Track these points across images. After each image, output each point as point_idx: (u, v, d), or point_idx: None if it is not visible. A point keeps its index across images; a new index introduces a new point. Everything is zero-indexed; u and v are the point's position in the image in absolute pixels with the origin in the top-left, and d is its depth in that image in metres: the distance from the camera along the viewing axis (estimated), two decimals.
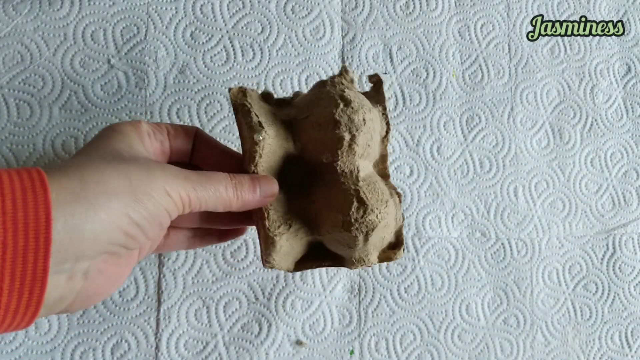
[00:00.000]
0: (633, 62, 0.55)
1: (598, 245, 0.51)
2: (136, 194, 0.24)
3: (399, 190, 0.33)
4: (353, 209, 0.30)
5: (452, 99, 0.50)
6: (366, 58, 0.48)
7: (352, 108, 0.30)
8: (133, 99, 0.43)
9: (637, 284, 0.51)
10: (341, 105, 0.30)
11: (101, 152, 0.26)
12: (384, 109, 0.35)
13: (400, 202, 0.34)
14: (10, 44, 0.42)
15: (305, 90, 0.44)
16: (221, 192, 0.28)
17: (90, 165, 0.24)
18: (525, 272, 0.49)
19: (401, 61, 0.49)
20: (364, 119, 0.31)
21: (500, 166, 0.50)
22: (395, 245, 0.35)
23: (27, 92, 0.42)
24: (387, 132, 0.35)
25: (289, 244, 0.32)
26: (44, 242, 0.20)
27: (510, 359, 0.47)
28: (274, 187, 0.31)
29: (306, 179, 0.33)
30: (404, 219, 0.35)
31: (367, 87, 0.48)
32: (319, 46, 0.48)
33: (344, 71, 0.34)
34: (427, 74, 0.50)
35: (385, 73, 0.49)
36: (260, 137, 0.30)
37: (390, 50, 0.49)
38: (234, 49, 0.46)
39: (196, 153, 0.33)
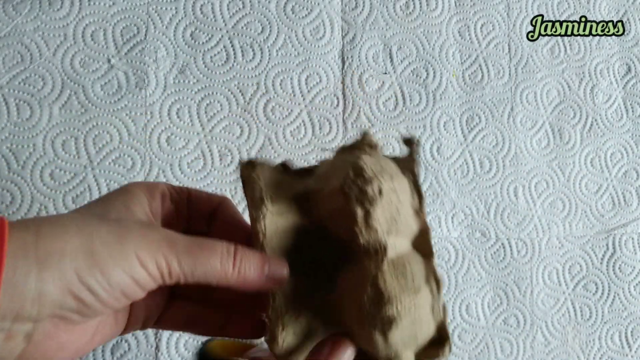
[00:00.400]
0: (633, 62, 0.55)
1: (598, 245, 0.51)
2: (94, 257, 0.21)
3: (440, 272, 0.28)
4: (366, 299, 0.25)
5: (452, 99, 0.50)
6: (366, 58, 0.48)
7: (364, 178, 0.26)
8: (133, 99, 0.43)
9: (637, 284, 0.51)
10: (351, 175, 0.26)
11: (89, 210, 0.25)
12: (414, 175, 0.29)
13: (439, 289, 0.28)
14: (10, 44, 0.42)
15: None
16: (213, 264, 0.24)
17: (57, 221, 0.22)
18: (525, 272, 0.49)
19: (401, 61, 0.49)
20: (380, 190, 0.26)
21: (500, 166, 0.50)
22: (439, 340, 0.28)
23: (27, 92, 0.42)
24: (421, 202, 0.29)
25: (296, 337, 0.27)
26: None
27: (510, 359, 0.47)
28: (283, 271, 0.26)
29: (334, 262, 0.28)
30: (445, 310, 0.29)
31: (367, 87, 0.48)
32: (319, 46, 0.48)
33: (363, 135, 0.30)
34: (427, 74, 0.50)
35: (385, 73, 0.49)
36: (260, 214, 0.27)
37: (390, 50, 0.49)
38: (234, 49, 0.46)
39: (216, 225, 0.30)
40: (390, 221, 0.26)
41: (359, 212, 0.26)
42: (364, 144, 0.29)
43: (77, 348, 0.24)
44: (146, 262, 0.22)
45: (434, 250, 0.29)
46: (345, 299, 0.27)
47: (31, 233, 0.21)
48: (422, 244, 0.29)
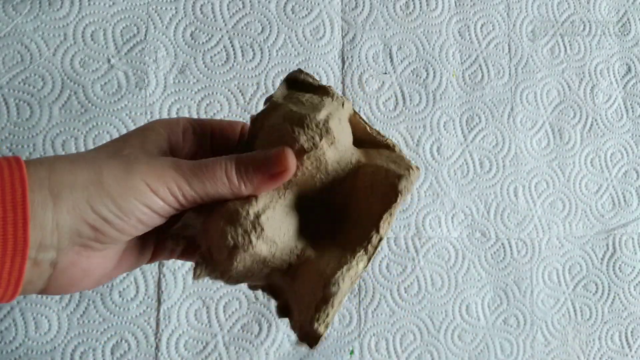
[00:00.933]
0: (633, 62, 0.55)
1: (598, 245, 0.51)
2: (104, 188, 0.23)
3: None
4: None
5: (452, 99, 0.50)
6: (366, 58, 0.48)
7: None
8: (133, 99, 0.43)
9: (637, 284, 0.51)
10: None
11: (104, 147, 0.26)
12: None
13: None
14: (10, 44, 0.42)
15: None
16: (220, 178, 0.25)
17: (68, 157, 0.23)
18: (525, 272, 0.49)
19: (401, 61, 0.49)
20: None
21: (500, 166, 0.50)
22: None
23: (27, 92, 0.42)
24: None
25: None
26: (21, 214, 0.21)
27: (510, 359, 0.47)
28: (288, 161, 0.26)
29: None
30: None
31: (367, 87, 0.48)
32: (319, 46, 0.48)
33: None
34: (427, 74, 0.50)
35: (385, 73, 0.49)
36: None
37: (390, 50, 0.49)
38: (234, 49, 0.46)
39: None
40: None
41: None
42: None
43: (102, 274, 0.26)
44: (156, 188, 0.24)
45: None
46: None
47: (44, 169, 0.22)
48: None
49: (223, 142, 0.30)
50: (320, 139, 0.27)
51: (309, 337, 0.27)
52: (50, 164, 0.23)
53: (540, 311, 0.49)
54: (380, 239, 0.28)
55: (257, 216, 0.27)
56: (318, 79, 0.31)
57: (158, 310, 0.42)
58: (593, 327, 0.50)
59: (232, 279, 0.29)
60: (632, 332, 0.50)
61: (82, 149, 0.42)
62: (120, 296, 0.41)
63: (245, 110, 0.45)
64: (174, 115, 0.44)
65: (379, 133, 0.31)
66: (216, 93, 0.45)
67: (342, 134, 0.29)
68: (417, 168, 0.29)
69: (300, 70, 0.30)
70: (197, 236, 0.29)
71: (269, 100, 0.29)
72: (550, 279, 0.49)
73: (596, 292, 0.50)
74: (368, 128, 0.30)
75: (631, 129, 0.54)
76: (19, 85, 0.42)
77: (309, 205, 0.29)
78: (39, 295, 0.40)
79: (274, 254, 0.28)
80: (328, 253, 0.28)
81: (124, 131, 0.43)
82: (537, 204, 0.50)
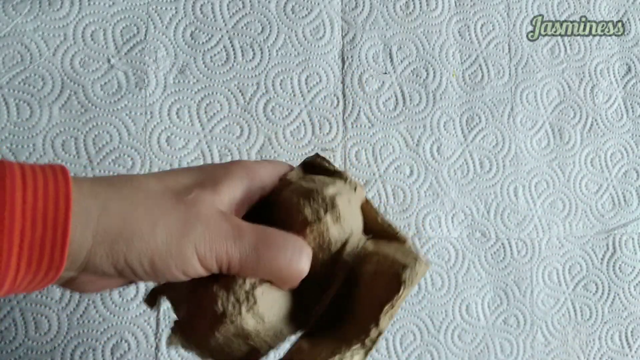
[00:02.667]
0: (633, 62, 0.55)
1: (598, 245, 0.51)
2: (149, 247, 0.21)
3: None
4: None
5: (452, 99, 0.50)
6: (366, 58, 0.48)
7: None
8: (133, 99, 0.43)
9: (637, 284, 0.51)
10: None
11: (174, 179, 0.24)
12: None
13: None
14: (10, 44, 0.42)
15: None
16: (280, 264, 0.23)
17: (128, 197, 0.22)
18: (525, 272, 0.49)
19: (401, 61, 0.49)
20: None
21: (500, 166, 0.50)
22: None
23: (27, 92, 0.42)
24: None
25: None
26: (53, 273, 0.20)
27: (510, 359, 0.47)
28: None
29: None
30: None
31: (367, 87, 0.48)
32: (319, 46, 0.48)
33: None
34: (427, 74, 0.50)
35: (385, 73, 0.49)
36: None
37: (390, 50, 0.49)
38: (234, 49, 0.46)
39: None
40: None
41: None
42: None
43: (118, 285, 0.26)
44: (205, 256, 0.22)
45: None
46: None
47: (97, 206, 0.21)
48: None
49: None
50: (325, 213, 0.26)
51: None
52: (104, 200, 0.21)
53: (540, 311, 0.49)
54: (380, 334, 0.26)
55: (253, 287, 0.25)
56: (335, 165, 0.30)
57: (158, 310, 0.42)
58: (593, 327, 0.50)
59: (205, 352, 0.27)
60: (632, 332, 0.50)
61: (82, 149, 0.42)
62: (120, 296, 0.41)
63: (245, 110, 0.45)
64: (173, 115, 0.44)
65: (390, 225, 0.29)
66: (216, 93, 0.45)
67: (350, 216, 0.27)
68: (426, 264, 0.27)
69: (317, 155, 0.29)
70: (180, 299, 0.27)
71: (282, 179, 0.28)
72: (550, 279, 0.49)
73: (596, 292, 0.50)
74: (379, 218, 0.29)
75: (631, 129, 0.54)
76: (19, 85, 0.42)
77: (313, 292, 0.28)
78: (39, 295, 0.40)
79: (259, 332, 0.26)
80: (323, 344, 0.27)
81: (124, 131, 0.43)
82: (537, 204, 0.50)
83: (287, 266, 0.24)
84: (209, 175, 0.24)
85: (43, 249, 0.20)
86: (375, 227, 0.29)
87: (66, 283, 0.23)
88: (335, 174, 0.29)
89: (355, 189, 0.28)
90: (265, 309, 0.26)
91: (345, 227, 0.27)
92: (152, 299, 0.29)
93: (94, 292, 0.27)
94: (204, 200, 0.23)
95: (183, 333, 0.27)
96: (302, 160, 0.29)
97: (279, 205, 0.27)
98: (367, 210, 0.29)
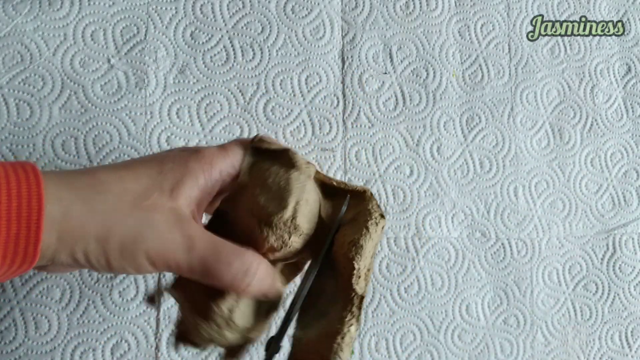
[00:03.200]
0: (633, 62, 0.55)
1: (598, 245, 0.51)
2: (107, 250, 0.23)
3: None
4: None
5: (452, 99, 0.50)
6: (366, 58, 0.48)
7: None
8: (133, 99, 0.43)
9: (637, 284, 0.51)
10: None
11: (134, 182, 0.25)
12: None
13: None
14: (10, 44, 0.42)
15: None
16: (225, 280, 0.25)
17: (90, 201, 0.24)
18: (525, 272, 0.49)
19: (401, 61, 0.49)
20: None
21: (500, 166, 0.50)
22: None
23: (27, 92, 0.42)
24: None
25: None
26: (27, 266, 0.22)
27: (510, 359, 0.47)
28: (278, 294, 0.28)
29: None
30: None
31: (367, 87, 0.48)
32: (319, 46, 0.48)
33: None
34: (427, 74, 0.50)
35: (385, 73, 0.49)
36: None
37: (390, 50, 0.49)
38: (234, 49, 0.46)
39: None
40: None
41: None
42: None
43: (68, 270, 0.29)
44: (155, 262, 0.24)
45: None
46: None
47: (59, 210, 0.23)
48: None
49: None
50: (289, 237, 0.28)
51: None
52: (67, 206, 0.23)
53: (540, 311, 0.49)
54: (362, 297, 0.28)
55: (231, 311, 0.27)
56: (278, 143, 0.31)
57: (158, 310, 0.42)
58: (593, 327, 0.50)
59: (208, 347, 0.29)
60: (632, 332, 0.50)
61: (82, 149, 0.42)
62: (120, 296, 0.41)
63: (245, 110, 0.45)
64: (173, 115, 0.44)
65: (345, 184, 0.31)
66: (216, 93, 0.45)
67: (308, 208, 0.29)
68: (382, 215, 0.29)
69: (260, 140, 0.30)
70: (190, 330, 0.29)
71: (234, 183, 0.29)
72: (550, 279, 0.49)
73: (596, 292, 0.50)
74: (334, 183, 0.31)
75: (631, 129, 0.54)
76: (19, 85, 0.42)
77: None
78: (39, 295, 0.40)
79: (243, 336, 0.29)
80: (318, 329, 0.29)
81: (124, 131, 0.43)
82: (537, 204, 0.50)
83: (231, 282, 0.25)
84: (168, 177, 0.25)
85: (17, 246, 0.22)
86: (334, 190, 0.31)
87: (38, 268, 0.26)
88: (283, 157, 0.29)
89: (308, 175, 0.29)
90: (244, 321, 0.28)
91: (306, 226, 0.29)
92: (151, 301, 0.32)
93: (64, 273, 0.30)
94: (162, 207, 0.25)
95: (182, 340, 0.30)
96: (250, 146, 0.30)
97: (240, 222, 0.29)
98: (321, 179, 0.31)
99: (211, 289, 0.27)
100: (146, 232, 0.24)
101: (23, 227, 0.21)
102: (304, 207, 0.28)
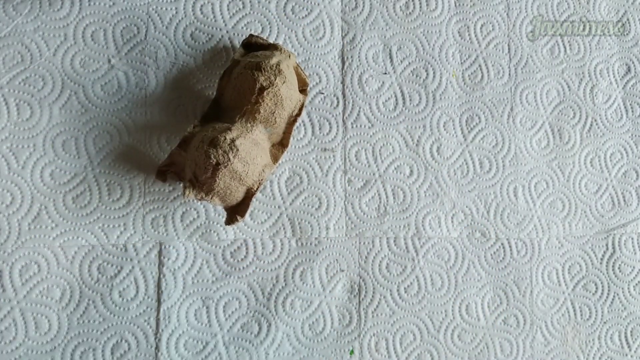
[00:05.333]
0: (633, 62, 0.55)
1: (598, 245, 0.51)
2: None
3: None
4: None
5: (452, 99, 0.50)
6: (366, 58, 0.48)
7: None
8: (133, 99, 0.43)
9: (636, 284, 0.51)
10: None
11: None
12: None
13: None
14: (10, 44, 0.42)
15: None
16: None
17: None
18: (525, 272, 0.49)
19: (401, 61, 0.49)
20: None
21: (500, 166, 0.50)
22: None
23: (27, 92, 0.42)
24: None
25: None
26: None
27: (510, 359, 0.48)
28: None
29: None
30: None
31: (367, 87, 0.48)
32: (319, 46, 0.48)
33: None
34: (427, 74, 0.50)
35: (385, 73, 0.49)
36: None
37: (390, 50, 0.49)
38: (234, 49, 0.46)
39: None
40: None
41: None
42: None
43: None
44: None
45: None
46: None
47: None
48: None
49: None
50: (275, 78, 0.37)
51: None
52: None
53: (540, 311, 0.49)
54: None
55: (233, 140, 0.35)
56: (268, 40, 0.43)
57: (158, 310, 0.42)
58: (593, 327, 0.50)
59: (215, 196, 0.36)
60: (631, 332, 0.50)
61: (83, 149, 0.42)
62: (120, 296, 0.41)
63: None
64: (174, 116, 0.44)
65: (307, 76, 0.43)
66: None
67: (291, 77, 0.38)
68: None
69: (251, 35, 0.42)
70: (184, 168, 0.37)
71: (231, 59, 0.40)
72: (550, 279, 0.49)
73: (596, 292, 0.50)
74: (307, 79, 0.43)
75: (631, 129, 0.54)
76: (19, 85, 0.42)
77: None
78: (39, 295, 0.40)
79: (247, 172, 0.36)
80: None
81: (124, 131, 0.43)
82: (537, 204, 0.50)
83: None
84: None
85: None
86: (304, 83, 0.43)
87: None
88: (271, 47, 0.40)
89: (289, 56, 0.40)
90: (246, 155, 0.36)
91: (290, 87, 0.38)
92: (161, 175, 0.39)
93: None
94: None
95: (193, 187, 0.36)
96: (241, 42, 0.41)
97: (237, 78, 0.38)
98: (299, 73, 0.41)
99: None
100: None
101: None
102: (285, 68, 0.38)
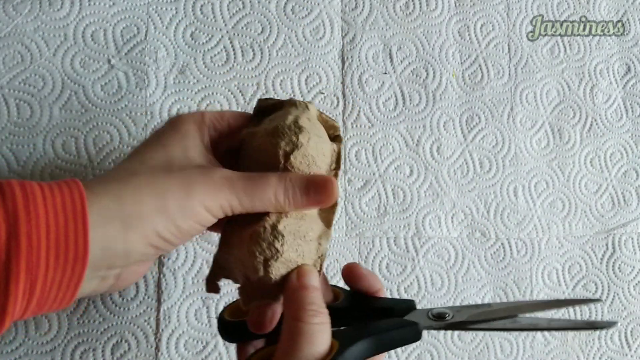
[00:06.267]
0: (633, 62, 0.55)
1: (598, 245, 0.51)
2: (169, 215, 0.26)
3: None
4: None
5: (452, 99, 0.50)
6: (366, 58, 0.48)
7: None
8: (133, 99, 0.43)
9: (636, 284, 0.51)
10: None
11: (152, 162, 0.28)
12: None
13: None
14: (10, 44, 0.42)
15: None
16: (268, 197, 0.28)
17: (131, 182, 0.26)
18: (525, 272, 0.49)
19: (401, 61, 0.49)
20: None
21: (500, 166, 0.50)
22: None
23: (27, 92, 0.42)
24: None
25: None
26: (80, 264, 0.23)
27: (510, 359, 0.48)
28: (328, 190, 0.29)
29: None
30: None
31: (367, 87, 0.48)
32: (319, 46, 0.48)
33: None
34: (427, 74, 0.50)
35: (385, 73, 0.49)
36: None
37: (390, 50, 0.49)
38: (234, 49, 0.46)
39: None
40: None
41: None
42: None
43: (146, 270, 0.31)
44: (212, 208, 0.27)
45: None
46: None
47: (112, 199, 0.25)
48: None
49: (236, 134, 0.32)
50: (298, 138, 0.30)
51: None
52: (116, 192, 0.25)
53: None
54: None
55: (274, 227, 0.29)
56: (278, 98, 0.34)
57: (158, 310, 0.42)
58: None
59: (270, 297, 0.30)
60: (631, 332, 0.50)
61: (83, 149, 0.42)
62: (120, 296, 0.41)
63: (245, 110, 0.45)
64: (174, 115, 0.44)
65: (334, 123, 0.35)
66: (216, 93, 0.45)
67: (315, 129, 0.32)
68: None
69: (260, 100, 0.34)
70: (233, 271, 0.31)
71: (244, 133, 0.32)
72: (549, 279, 0.49)
73: (596, 292, 0.50)
74: (334, 124, 0.34)
75: (631, 129, 0.54)
76: (19, 86, 0.42)
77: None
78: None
79: (303, 255, 0.30)
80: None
81: (124, 131, 0.43)
82: (537, 204, 0.50)
83: (275, 198, 0.28)
84: (171, 144, 0.29)
85: (67, 239, 0.23)
86: (334, 128, 0.35)
87: (115, 285, 0.28)
88: (285, 104, 0.33)
89: (307, 107, 0.33)
90: (295, 236, 0.30)
91: (318, 140, 0.31)
92: (212, 286, 0.32)
93: (131, 284, 0.32)
94: (188, 164, 0.28)
95: (249, 291, 0.30)
96: (253, 110, 0.33)
97: (256, 152, 0.31)
98: (324, 120, 0.34)
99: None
100: (194, 185, 0.26)
101: (70, 220, 0.23)
102: (306, 122, 0.31)
